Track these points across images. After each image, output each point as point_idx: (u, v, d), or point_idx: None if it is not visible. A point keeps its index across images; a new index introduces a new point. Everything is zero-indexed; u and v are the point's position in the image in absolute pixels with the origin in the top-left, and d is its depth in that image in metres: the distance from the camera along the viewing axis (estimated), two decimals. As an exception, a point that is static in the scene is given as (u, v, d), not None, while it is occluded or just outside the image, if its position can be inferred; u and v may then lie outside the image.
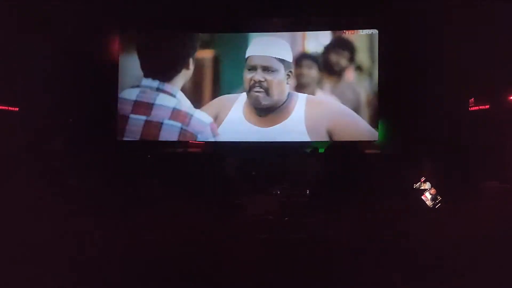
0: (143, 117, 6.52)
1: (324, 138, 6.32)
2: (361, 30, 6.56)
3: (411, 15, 5.81)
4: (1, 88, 5.72)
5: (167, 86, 6.52)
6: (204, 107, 6.57)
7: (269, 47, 6.34)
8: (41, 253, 1.33)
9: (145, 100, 6.54)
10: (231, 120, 6.46)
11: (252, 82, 6.21)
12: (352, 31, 6.57)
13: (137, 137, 6.55)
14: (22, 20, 5.54)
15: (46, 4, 5.57)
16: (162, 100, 6.49)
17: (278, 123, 6.40)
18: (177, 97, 6.50)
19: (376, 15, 6.33)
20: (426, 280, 1.24)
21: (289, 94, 6.37)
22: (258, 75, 6.21)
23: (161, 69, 6.56)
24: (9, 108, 6.00)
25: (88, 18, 5.95)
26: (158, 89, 6.52)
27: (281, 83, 6.28)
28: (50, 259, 1.32)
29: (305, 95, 6.41)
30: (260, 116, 6.40)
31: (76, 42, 5.97)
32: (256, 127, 6.41)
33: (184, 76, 6.55)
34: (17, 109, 6.05)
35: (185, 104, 6.50)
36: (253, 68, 6.23)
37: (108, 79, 6.57)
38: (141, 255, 1.36)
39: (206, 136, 6.46)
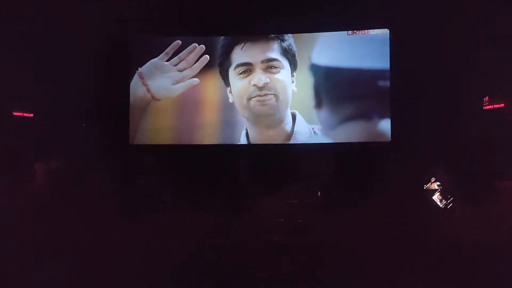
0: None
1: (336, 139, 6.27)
2: (372, 30, 6.49)
3: (423, 12, 5.73)
4: (17, 95, 5.83)
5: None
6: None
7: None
8: (54, 253, 1.34)
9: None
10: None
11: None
12: (363, 31, 6.51)
13: (148, 141, 6.60)
14: (35, 27, 5.63)
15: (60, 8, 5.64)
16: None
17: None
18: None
19: (387, 14, 6.26)
20: (437, 282, 1.21)
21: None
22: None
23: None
24: (24, 114, 6.12)
25: (103, 22, 6.03)
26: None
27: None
28: (64, 260, 1.33)
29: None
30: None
31: (88, 46, 6.04)
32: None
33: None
34: (32, 115, 6.16)
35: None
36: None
37: (121, 83, 6.63)
38: (152, 256, 1.36)
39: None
